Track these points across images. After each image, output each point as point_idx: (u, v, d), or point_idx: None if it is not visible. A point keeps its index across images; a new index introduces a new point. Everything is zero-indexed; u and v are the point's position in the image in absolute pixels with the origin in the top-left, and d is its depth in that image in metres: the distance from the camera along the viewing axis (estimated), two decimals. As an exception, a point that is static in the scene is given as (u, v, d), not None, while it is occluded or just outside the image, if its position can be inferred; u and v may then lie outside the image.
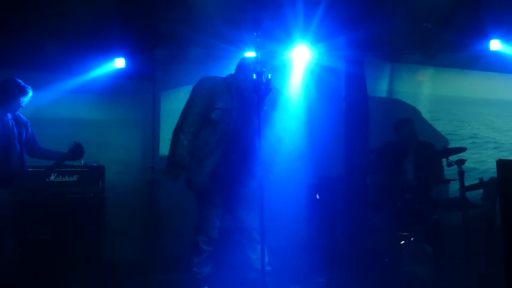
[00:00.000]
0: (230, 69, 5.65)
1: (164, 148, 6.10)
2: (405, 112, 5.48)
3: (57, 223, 4.56)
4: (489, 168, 5.20)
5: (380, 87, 5.85)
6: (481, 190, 4.56)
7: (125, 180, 5.75)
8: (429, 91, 5.84)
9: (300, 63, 5.42)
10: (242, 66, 3.79)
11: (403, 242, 4.10)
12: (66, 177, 4.83)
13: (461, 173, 4.21)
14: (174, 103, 6.15)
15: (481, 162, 5.41)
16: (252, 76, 3.40)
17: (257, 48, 3.45)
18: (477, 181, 4.57)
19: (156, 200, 5.86)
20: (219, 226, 3.66)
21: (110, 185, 5.08)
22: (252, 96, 3.48)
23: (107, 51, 5.54)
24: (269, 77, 3.52)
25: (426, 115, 5.71)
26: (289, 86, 5.43)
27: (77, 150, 4.23)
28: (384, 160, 4.68)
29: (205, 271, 3.66)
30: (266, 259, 3.37)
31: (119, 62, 5.66)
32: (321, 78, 5.50)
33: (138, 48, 5.65)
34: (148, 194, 5.89)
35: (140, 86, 6.20)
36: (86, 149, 4.28)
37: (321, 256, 4.19)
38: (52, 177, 4.77)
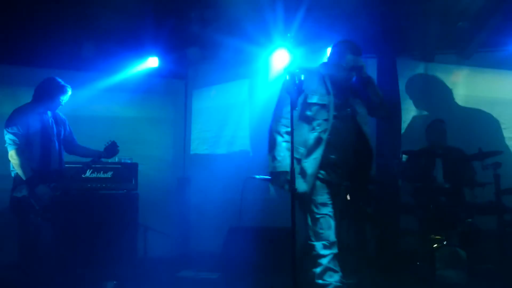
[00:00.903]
0: (259, 69, 5.77)
1: (195, 146, 6.19)
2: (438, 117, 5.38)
3: (92, 218, 4.67)
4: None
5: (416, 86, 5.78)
6: (518, 194, 4.44)
7: (157, 177, 5.83)
8: (464, 92, 5.72)
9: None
10: (336, 51, 3.43)
11: (435, 245, 4.05)
12: (101, 174, 4.94)
13: (496, 177, 4.13)
14: (205, 101, 6.23)
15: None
16: (346, 62, 3.25)
17: (288, 49, 3.45)
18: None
19: (187, 197, 5.93)
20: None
21: (143, 182, 5.17)
22: (348, 85, 3.29)
23: (141, 50, 5.62)
24: (302, 78, 3.52)
25: (462, 117, 5.59)
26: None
27: (112, 148, 4.35)
28: (417, 162, 4.63)
29: (332, 280, 3.20)
30: None
31: (153, 61, 5.74)
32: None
33: (171, 48, 5.72)
34: (180, 190, 5.96)
35: (173, 85, 6.28)
36: (121, 146, 4.40)
37: (353, 258, 4.16)
38: (88, 173, 4.89)
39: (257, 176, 4.93)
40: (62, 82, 4.19)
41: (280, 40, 5.24)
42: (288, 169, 3.17)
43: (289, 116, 3.22)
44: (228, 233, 4.96)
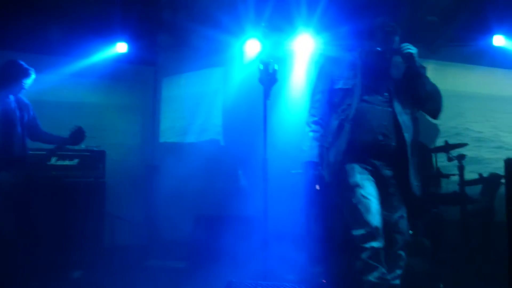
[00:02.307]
0: (231, 58, 5.74)
1: (165, 134, 6.12)
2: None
3: (57, 207, 4.55)
4: (490, 164, 5.24)
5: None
6: (481, 186, 4.60)
7: (125, 165, 5.74)
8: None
9: (304, 53, 5.39)
10: (371, 32, 3.15)
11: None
12: (67, 161, 4.82)
13: (461, 168, 4.25)
14: (175, 89, 6.16)
15: (482, 158, 5.44)
16: (383, 43, 3.01)
17: (261, 38, 3.42)
18: (476, 176, 4.60)
19: (156, 185, 5.87)
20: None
21: (111, 170, 5.07)
22: (382, 67, 3.07)
23: (109, 35, 5.49)
24: (276, 68, 3.52)
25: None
26: (292, 77, 5.43)
27: (78, 134, 4.21)
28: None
29: (371, 278, 2.91)
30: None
31: (121, 47, 5.62)
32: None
33: (140, 33, 5.61)
34: (148, 179, 5.90)
35: (142, 72, 6.17)
36: (88, 133, 4.26)
37: (321, 246, 4.21)
38: (53, 161, 4.76)
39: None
40: (25, 65, 4.03)
41: (253, 29, 5.22)
42: (314, 159, 3.10)
43: (317, 105, 3.15)
44: (195, 221, 4.94)
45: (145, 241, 5.57)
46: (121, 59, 5.74)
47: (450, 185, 4.58)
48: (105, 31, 5.42)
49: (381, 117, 3.09)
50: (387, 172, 3.13)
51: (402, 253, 3.10)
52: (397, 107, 3.11)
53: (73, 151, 4.80)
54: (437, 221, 4.35)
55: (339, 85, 3.15)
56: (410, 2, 5.13)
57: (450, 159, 4.30)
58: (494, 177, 4.26)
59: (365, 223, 2.94)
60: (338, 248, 3.94)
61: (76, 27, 5.25)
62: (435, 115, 3.38)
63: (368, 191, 3.01)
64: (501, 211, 3.04)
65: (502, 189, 4.20)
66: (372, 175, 3.09)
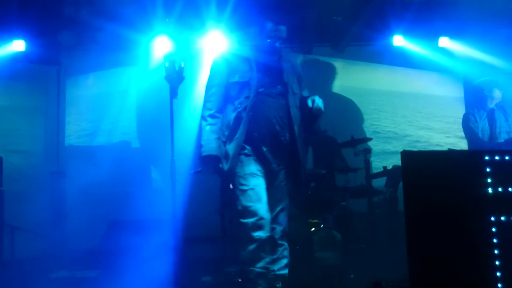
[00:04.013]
0: (140, 56, 5.56)
1: (70, 137, 5.78)
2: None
3: None
4: (392, 157, 5.55)
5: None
6: (385, 178, 4.82)
7: (26, 172, 5.36)
8: (338, 82, 6.06)
9: (214, 51, 5.34)
10: (262, 28, 3.25)
11: (313, 229, 4.24)
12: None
13: (367, 162, 4.44)
14: (81, 90, 5.84)
15: (385, 151, 5.74)
16: (266, 32, 3.11)
17: (169, 35, 3.34)
18: (381, 169, 4.82)
19: (62, 192, 5.53)
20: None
21: (10, 177, 4.73)
22: (274, 60, 3.15)
23: (4, 31, 5.09)
24: (182, 65, 3.44)
25: (336, 106, 5.92)
26: (202, 75, 5.35)
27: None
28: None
29: (258, 267, 3.00)
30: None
31: (18, 45, 5.23)
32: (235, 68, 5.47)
33: (41, 30, 5.26)
34: (53, 186, 5.54)
35: (43, 71, 5.79)
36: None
37: (232, 246, 4.20)
38: None
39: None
40: None
41: (160, 26, 5.08)
42: (213, 152, 3.06)
43: (213, 98, 3.12)
44: (107, 227, 4.72)
45: (51, 252, 5.22)
46: (20, 58, 5.36)
47: (357, 178, 4.76)
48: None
49: (276, 109, 3.18)
50: (275, 166, 3.21)
51: (284, 243, 3.21)
52: (291, 100, 3.22)
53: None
54: (347, 214, 4.50)
55: (235, 78, 3.18)
56: (317, 3, 5.27)
57: (356, 153, 4.47)
58: (396, 169, 4.49)
59: (254, 213, 3.01)
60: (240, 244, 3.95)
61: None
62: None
63: (261, 182, 3.09)
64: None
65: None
66: (264, 168, 3.16)
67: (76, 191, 5.40)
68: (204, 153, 3.12)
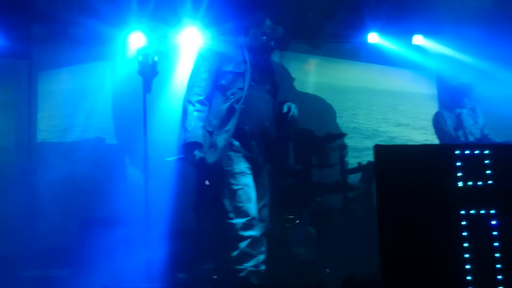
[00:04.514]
0: (115, 51, 5.47)
1: (43, 133, 5.65)
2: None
3: None
4: (368, 153, 5.58)
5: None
6: (360, 173, 4.86)
7: (-4, 168, 5.23)
8: (315, 79, 6.08)
9: (190, 47, 5.29)
10: (255, 19, 3.29)
11: (288, 225, 4.24)
12: None
13: (342, 158, 4.46)
14: (54, 85, 5.71)
15: (361, 147, 5.79)
16: (264, 28, 3.10)
17: (143, 30, 3.30)
18: (354, 164, 4.86)
19: (34, 189, 5.41)
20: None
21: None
22: (266, 58, 3.17)
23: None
24: (156, 59, 3.40)
25: (312, 102, 5.94)
26: (178, 70, 5.30)
27: None
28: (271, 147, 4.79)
29: (248, 265, 3.03)
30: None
31: (-13, 38, 5.10)
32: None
33: (12, 24, 5.12)
34: (24, 182, 5.41)
35: (14, 66, 5.65)
36: None
37: (209, 243, 4.18)
38: None
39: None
40: None
41: (135, 21, 5.01)
42: (199, 140, 2.98)
43: (203, 84, 3.04)
44: (81, 225, 4.64)
45: (22, 251, 5.10)
46: (-11, 52, 5.23)
47: (333, 174, 4.79)
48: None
49: (267, 105, 3.18)
50: (261, 161, 3.21)
51: (264, 239, 3.20)
52: (277, 99, 3.26)
53: None
54: (322, 210, 4.52)
55: (229, 67, 3.13)
56: (293, -1, 5.28)
57: (332, 149, 4.49)
58: (371, 165, 4.52)
59: (245, 212, 3.01)
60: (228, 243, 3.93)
61: None
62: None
63: (250, 180, 3.08)
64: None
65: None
66: (251, 164, 3.14)
67: (48, 188, 5.29)
68: (189, 140, 3.02)
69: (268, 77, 3.24)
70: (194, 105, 3.08)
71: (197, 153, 3.02)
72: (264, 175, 3.23)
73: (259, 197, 3.17)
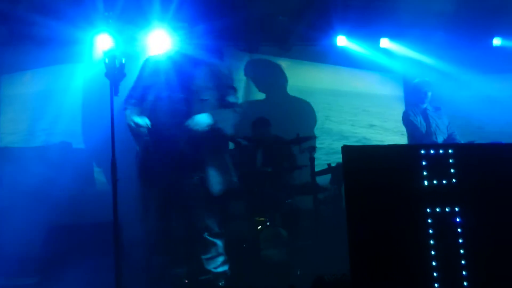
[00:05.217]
0: (81, 53, 5.35)
1: (5, 138, 5.48)
2: (262, 104, 5.65)
3: None
4: (338, 155, 5.64)
5: (239, 77, 5.96)
6: (330, 175, 4.91)
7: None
8: (285, 81, 6.12)
9: (158, 49, 5.24)
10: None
11: (260, 227, 4.24)
12: None
13: (312, 160, 4.49)
14: (17, 88, 5.55)
15: (331, 149, 5.85)
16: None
17: (109, 32, 3.25)
18: (326, 166, 4.90)
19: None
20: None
21: None
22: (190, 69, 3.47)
23: None
24: (123, 61, 3.35)
25: (282, 105, 5.98)
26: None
27: None
28: (242, 149, 4.79)
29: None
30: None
31: None
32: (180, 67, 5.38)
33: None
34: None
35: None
36: None
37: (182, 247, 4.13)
38: None
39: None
40: None
41: (103, 23, 4.92)
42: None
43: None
44: (48, 232, 4.53)
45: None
46: None
47: (303, 176, 4.82)
48: None
49: (175, 116, 3.46)
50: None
51: (216, 241, 3.54)
52: (195, 107, 3.51)
53: None
54: (293, 211, 4.54)
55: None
56: (262, 2, 5.29)
57: (301, 151, 4.52)
58: (340, 166, 4.57)
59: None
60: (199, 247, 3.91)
61: None
62: None
63: None
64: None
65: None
66: None
67: (12, 195, 5.14)
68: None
69: (186, 84, 3.53)
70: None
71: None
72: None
73: None
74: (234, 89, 3.67)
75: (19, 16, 4.99)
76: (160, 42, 5.20)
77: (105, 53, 3.30)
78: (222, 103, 3.56)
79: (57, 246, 4.38)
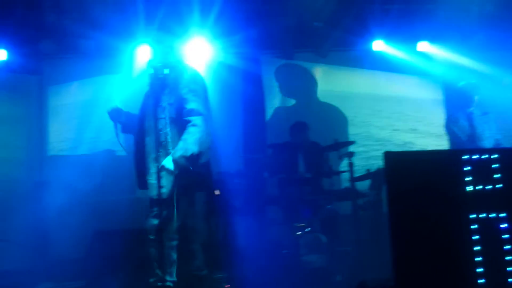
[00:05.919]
0: (124, 64, 5.51)
1: (54, 146, 5.72)
2: (299, 110, 5.66)
3: None
4: (377, 160, 5.59)
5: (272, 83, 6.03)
6: (369, 180, 4.87)
7: (9, 182, 5.27)
8: (322, 87, 6.12)
9: (197, 58, 5.35)
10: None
11: (299, 233, 4.26)
12: None
13: (351, 165, 4.48)
14: (64, 98, 5.79)
15: (370, 154, 5.80)
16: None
17: (153, 43, 3.35)
18: (364, 172, 4.87)
19: (46, 202, 5.45)
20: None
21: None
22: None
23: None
24: (166, 72, 3.44)
25: (320, 110, 5.98)
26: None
27: None
28: (280, 155, 4.83)
29: None
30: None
31: (0, 54, 5.18)
32: (219, 75, 5.50)
33: (22, 39, 5.21)
34: (37, 195, 5.46)
35: (25, 80, 5.73)
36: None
37: (222, 251, 4.19)
38: None
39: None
40: None
41: (144, 34, 5.08)
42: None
43: None
44: (92, 237, 4.68)
45: (35, 263, 5.14)
46: (1, 68, 5.31)
47: (342, 181, 4.80)
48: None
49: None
50: None
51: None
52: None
53: None
54: (332, 217, 4.54)
55: None
56: (297, 9, 5.33)
57: (340, 157, 4.51)
58: (380, 171, 4.54)
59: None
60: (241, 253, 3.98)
61: None
62: None
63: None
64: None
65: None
66: None
67: (60, 201, 5.34)
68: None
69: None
70: None
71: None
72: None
73: None
74: (194, 92, 3.44)
75: (66, 29, 5.21)
76: (200, 51, 5.34)
77: (149, 64, 3.42)
78: (181, 115, 3.41)
79: (101, 250, 4.49)
